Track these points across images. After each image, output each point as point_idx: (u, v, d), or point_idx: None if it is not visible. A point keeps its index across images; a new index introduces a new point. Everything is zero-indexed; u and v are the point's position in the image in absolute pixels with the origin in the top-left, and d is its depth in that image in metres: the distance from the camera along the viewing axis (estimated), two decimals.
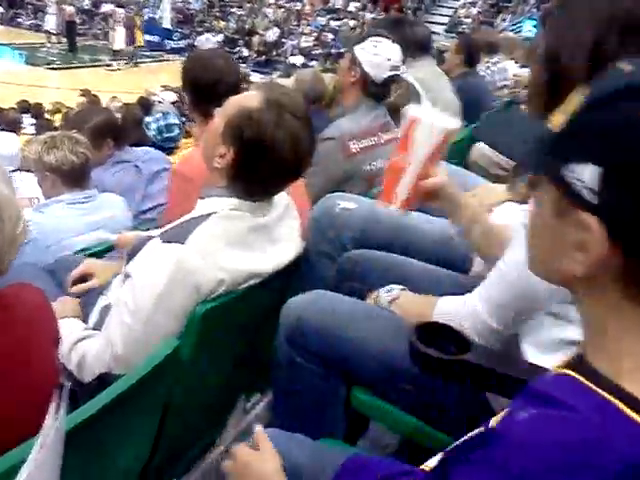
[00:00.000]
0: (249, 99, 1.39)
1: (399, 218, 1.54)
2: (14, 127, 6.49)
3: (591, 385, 0.57)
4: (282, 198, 1.51)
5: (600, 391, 0.56)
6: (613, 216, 0.55)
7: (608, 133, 0.55)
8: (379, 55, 2.51)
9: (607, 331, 0.59)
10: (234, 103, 1.40)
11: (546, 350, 1.11)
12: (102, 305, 1.54)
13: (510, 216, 1.35)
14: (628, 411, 0.53)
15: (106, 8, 18.89)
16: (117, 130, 2.99)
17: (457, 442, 0.67)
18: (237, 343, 1.48)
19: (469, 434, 0.65)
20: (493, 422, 0.62)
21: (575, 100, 0.60)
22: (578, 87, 0.61)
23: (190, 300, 1.28)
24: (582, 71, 1.05)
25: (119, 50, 17.45)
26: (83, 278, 1.73)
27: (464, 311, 1.18)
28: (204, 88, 2.06)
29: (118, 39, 17.49)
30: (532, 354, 1.12)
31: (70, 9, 18.98)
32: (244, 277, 1.36)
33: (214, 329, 1.32)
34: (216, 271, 1.30)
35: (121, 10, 18.23)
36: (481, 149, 2.95)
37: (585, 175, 0.55)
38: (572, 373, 0.60)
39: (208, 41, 15.33)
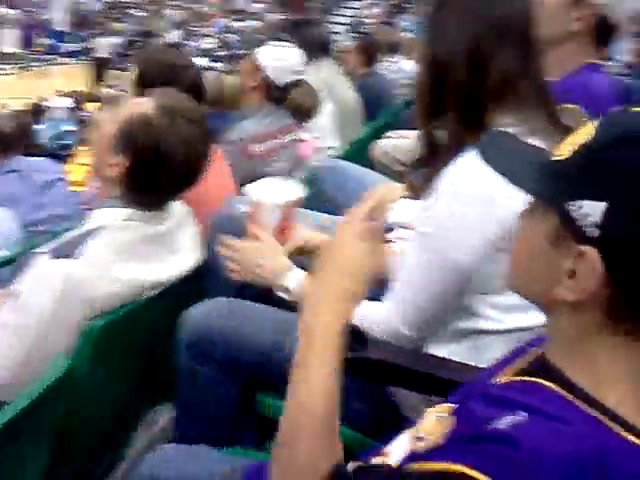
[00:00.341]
0: (141, 105, 1.35)
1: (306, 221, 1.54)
2: None
3: (579, 402, 0.58)
4: (180, 206, 1.47)
5: (588, 408, 0.57)
6: (613, 250, 0.56)
7: (620, 172, 0.56)
8: (281, 60, 2.52)
9: (586, 349, 0.60)
10: (125, 110, 1.36)
11: (446, 341, 1.14)
12: None
13: (407, 213, 1.37)
14: (614, 425, 0.56)
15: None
16: (4, 139, 2.84)
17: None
18: (139, 356, 1.43)
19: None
20: (497, 423, 0.58)
21: (584, 132, 0.60)
22: (581, 121, 0.63)
23: (83, 315, 1.23)
24: (461, 72, 1.08)
25: (11, 53, 16.54)
26: None
27: (377, 316, 1.15)
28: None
29: (9, 42, 16.57)
30: (432, 345, 1.15)
31: None
32: (142, 288, 1.32)
33: (111, 344, 1.27)
34: (110, 284, 1.25)
35: (12, 11, 17.29)
36: (382, 147, 3.01)
37: (590, 209, 0.56)
38: (552, 385, 0.61)
39: (105, 43, 14.79)
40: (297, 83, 2.58)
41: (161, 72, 1.91)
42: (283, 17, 15.37)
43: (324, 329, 0.73)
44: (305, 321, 0.75)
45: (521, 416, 0.56)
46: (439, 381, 1.02)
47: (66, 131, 3.68)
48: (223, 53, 17.97)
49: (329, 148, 3.06)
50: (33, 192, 2.62)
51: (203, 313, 1.30)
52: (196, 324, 1.29)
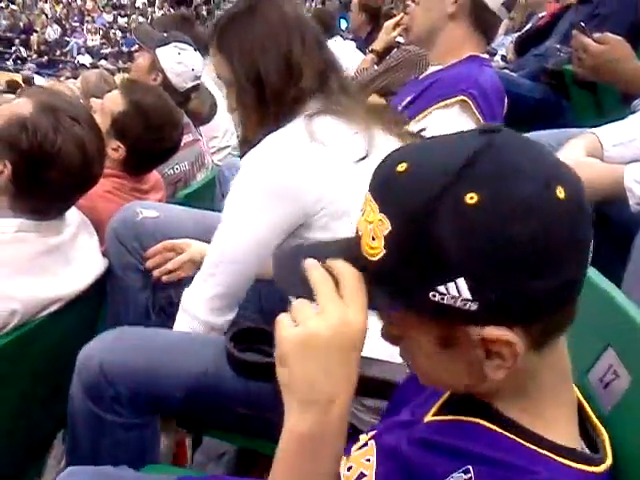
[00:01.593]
0: (18, 107, 1.27)
1: (205, 222, 1.52)
2: None
3: (523, 441, 0.56)
4: (74, 214, 1.40)
5: (533, 446, 0.56)
6: (501, 310, 0.53)
7: (444, 245, 0.51)
8: (183, 64, 2.46)
9: (527, 392, 0.58)
10: (3, 113, 1.27)
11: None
12: None
13: None
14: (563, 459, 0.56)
15: None
16: None
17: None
18: (42, 377, 1.35)
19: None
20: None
21: (383, 226, 0.54)
22: (368, 213, 0.57)
23: None
24: (278, 81, 1.15)
25: None
26: None
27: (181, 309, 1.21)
28: None
29: None
30: None
31: None
32: (41, 305, 1.24)
33: (13, 366, 1.18)
34: (5, 301, 1.17)
35: None
36: None
37: (454, 290, 0.52)
38: (491, 426, 0.58)
39: None
40: (195, 87, 2.54)
41: None
42: (168, 12, 15.00)
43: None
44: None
45: (470, 473, 0.55)
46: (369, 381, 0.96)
47: None
48: (108, 50, 17.29)
49: (227, 147, 3.03)
50: None
51: (105, 348, 1.13)
52: (98, 362, 1.10)
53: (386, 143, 1.14)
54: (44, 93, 1.34)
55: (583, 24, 1.53)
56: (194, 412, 1.19)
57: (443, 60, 1.65)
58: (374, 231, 0.55)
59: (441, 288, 0.52)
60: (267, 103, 1.17)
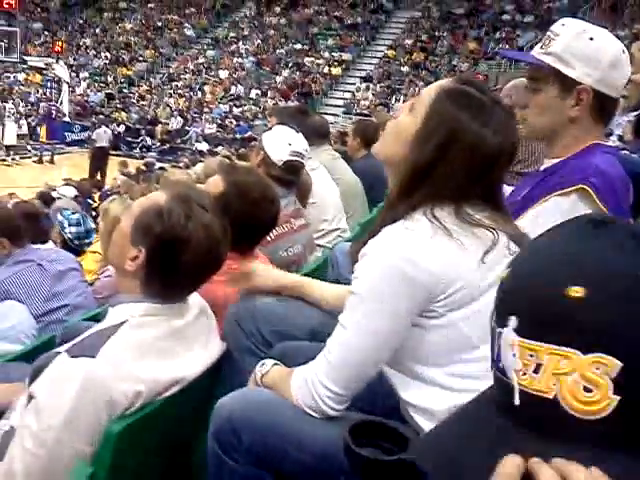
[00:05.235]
0: (155, 197, 1.37)
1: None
2: None
3: None
4: (195, 297, 1.46)
5: None
6: None
7: None
8: (279, 139, 2.60)
9: None
10: (140, 203, 1.37)
11: None
12: (3, 430, 1.39)
13: None
14: None
15: None
16: (13, 228, 2.85)
17: None
18: (162, 455, 1.38)
19: None
20: None
21: (605, 368, 0.45)
22: (556, 362, 0.46)
23: (103, 418, 1.18)
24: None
25: (12, 145, 16.93)
26: None
27: (302, 378, 1.21)
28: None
29: (9, 134, 17.01)
30: None
31: None
32: (164, 386, 1.28)
33: (133, 447, 1.22)
34: (132, 383, 1.21)
35: (10, 105, 17.88)
36: None
37: None
38: None
39: (105, 133, 15.17)
40: (296, 164, 2.64)
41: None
42: (281, 104, 15.89)
43: None
44: None
45: None
46: None
47: (90, 229, 3.70)
48: (223, 137, 18.43)
49: (337, 230, 3.09)
50: (47, 282, 2.62)
51: (233, 403, 1.25)
52: (227, 414, 1.23)
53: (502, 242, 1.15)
54: (179, 184, 1.44)
55: None
56: (300, 474, 1.23)
57: (562, 154, 1.58)
58: (587, 380, 0.44)
59: None
60: (420, 190, 1.19)
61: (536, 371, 0.47)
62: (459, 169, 1.17)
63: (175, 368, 1.31)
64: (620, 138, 3.60)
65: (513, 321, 0.49)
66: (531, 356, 0.47)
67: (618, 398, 0.43)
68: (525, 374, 0.47)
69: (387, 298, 1.14)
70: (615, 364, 0.43)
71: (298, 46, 22.38)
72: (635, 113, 3.71)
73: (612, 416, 0.43)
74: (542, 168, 1.66)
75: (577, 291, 0.46)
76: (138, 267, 1.31)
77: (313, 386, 1.18)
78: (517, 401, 0.48)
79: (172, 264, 1.31)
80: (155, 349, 1.29)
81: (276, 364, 1.34)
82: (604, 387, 0.44)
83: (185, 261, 1.30)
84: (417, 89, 18.28)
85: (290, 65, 21.61)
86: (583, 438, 0.44)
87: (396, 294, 1.13)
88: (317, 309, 1.58)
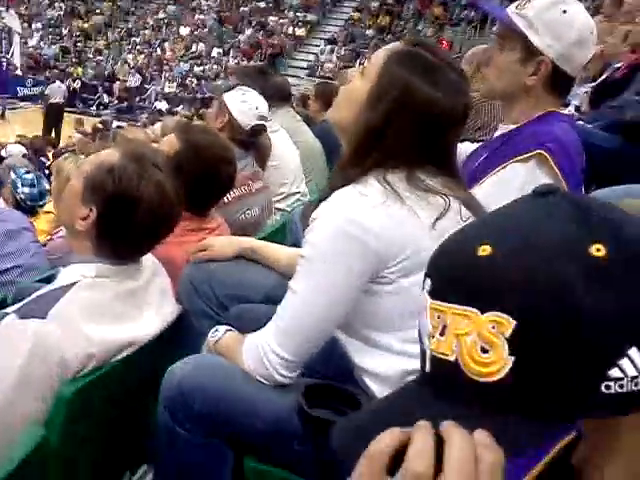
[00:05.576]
0: (107, 155, 1.33)
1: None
2: None
3: None
4: (148, 258, 1.44)
5: None
6: None
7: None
8: (247, 102, 2.56)
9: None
10: (91, 161, 1.34)
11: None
12: None
13: None
14: None
15: None
16: None
17: None
18: (114, 419, 1.37)
19: None
20: None
21: (502, 327, 0.44)
22: (457, 322, 0.45)
23: (55, 380, 1.17)
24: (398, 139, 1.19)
25: None
26: None
27: (254, 346, 1.20)
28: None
29: None
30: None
31: None
32: (116, 348, 1.27)
33: (86, 409, 1.21)
34: (82, 345, 1.20)
35: None
36: None
37: (631, 366, 0.43)
38: None
39: (60, 88, 14.64)
40: (262, 128, 2.62)
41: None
42: (243, 64, 15.57)
43: None
44: None
45: None
46: None
47: (44, 190, 3.56)
48: (184, 96, 18.04)
49: (296, 193, 3.08)
50: None
51: (185, 370, 1.24)
52: (177, 381, 1.23)
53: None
54: (130, 143, 1.40)
55: None
56: (252, 440, 1.24)
57: (519, 120, 1.60)
58: (484, 339, 0.43)
59: (613, 372, 0.41)
60: (372, 155, 1.18)
61: (442, 333, 0.45)
62: (410, 132, 1.16)
63: (128, 330, 1.30)
64: (577, 109, 3.66)
65: (427, 283, 0.48)
66: (438, 317, 0.46)
67: (512, 359, 0.42)
68: (434, 337, 0.46)
69: (336, 260, 1.13)
70: (509, 323, 0.43)
71: (262, 4, 21.85)
72: (592, 84, 3.77)
73: (507, 378, 0.43)
74: (498, 134, 1.68)
75: (485, 250, 0.45)
76: (89, 226, 1.29)
77: (264, 353, 1.18)
78: (428, 367, 0.47)
79: (124, 224, 1.28)
80: (107, 311, 1.27)
81: (229, 330, 1.33)
82: (499, 347, 0.43)
83: (137, 221, 1.28)
84: None
85: (254, 24, 21.12)
86: (479, 401, 0.43)
87: (345, 256, 1.13)
88: (273, 272, 1.58)
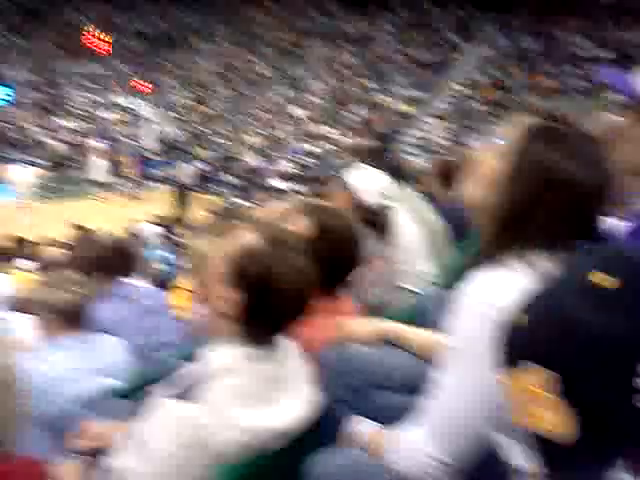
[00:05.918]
0: (247, 238, 1.36)
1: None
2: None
3: None
4: (286, 341, 1.45)
5: None
6: None
7: None
8: (368, 181, 2.60)
9: None
10: (232, 244, 1.38)
11: None
12: (105, 469, 1.43)
13: None
14: None
15: (88, 142, 19.61)
16: (106, 262, 2.98)
17: None
18: None
19: None
20: None
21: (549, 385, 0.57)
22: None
23: (204, 464, 1.20)
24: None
25: (102, 182, 17.84)
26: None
27: (404, 445, 1.15)
28: None
29: (98, 170, 17.91)
30: None
31: (58, 144, 19.92)
32: (262, 435, 1.28)
33: None
34: (233, 432, 1.22)
35: (100, 144, 18.90)
36: None
37: None
38: None
39: (187, 170, 15.83)
40: (384, 206, 2.64)
41: None
42: (358, 141, 16.00)
43: None
44: None
45: None
46: None
47: (175, 265, 3.83)
48: (300, 175, 18.72)
49: (421, 272, 3.04)
50: (138, 318, 2.70)
51: (327, 466, 1.22)
52: (317, 475, 1.21)
53: None
54: (270, 225, 1.45)
55: None
56: None
57: None
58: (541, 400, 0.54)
59: None
60: (513, 235, 1.15)
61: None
62: (553, 211, 1.12)
63: (273, 416, 1.31)
64: None
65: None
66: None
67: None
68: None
69: (483, 349, 1.09)
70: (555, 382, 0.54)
71: (371, 84, 22.63)
72: None
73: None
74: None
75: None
76: (232, 309, 1.32)
77: (417, 455, 1.13)
78: None
79: (266, 307, 1.31)
80: (253, 396, 1.29)
81: (371, 422, 1.30)
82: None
83: (279, 304, 1.31)
84: (493, 127, 18.00)
85: (364, 103, 21.84)
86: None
87: (490, 346, 1.08)
88: (413, 357, 1.55)
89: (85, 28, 27.36)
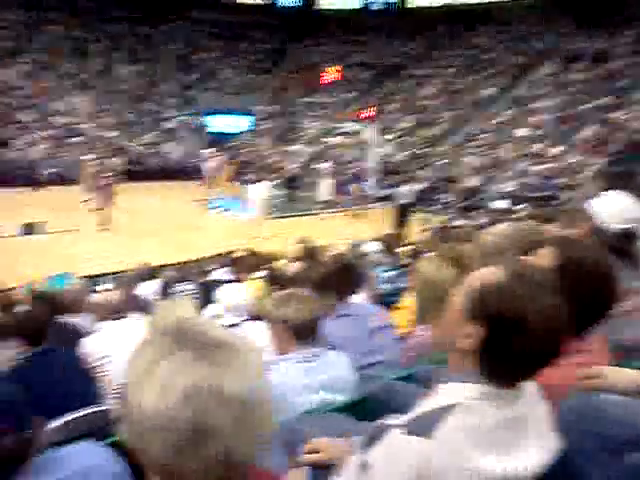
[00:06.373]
0: (493, 273, 1.30)
1: None
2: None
3: None
4: (528, 384, 1.33)
5: None
6: None
7: None
8: (614, 205, 2.36)
9: None
10: (476, 278, 1.32)
11: None
12: None
13: None
14: None
15: (317, 165, 21.06)
16: (330, 283, 3.06)
17: None
18: None
19: None
20: None
21: None
22: None
23: None
24: None
25: (325, 201, 18.97)
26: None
27: None
28: None
29: (324, 190, 19.05)
30: None
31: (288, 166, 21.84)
32: None
33: None
34: (468, 474, 1.14)
35: (327, 165, 20.13)
36: None
37: None
38: None
39: (408, 190, 15.99)
40: (633, 232, 2.35)
41: None
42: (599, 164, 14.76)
43: None
44: None
45: None
46: None
47: (392, 278, 3.87)
48: (523, 195, 17.93)
49: None
50: (362, 336, 2.74)
51: None
52: None
53: None
54: (517, 262, 1.37)
55: None
56: None
57: None
58: None
59: None
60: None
61: None
62: None
63: (510, 462, 1.20)
64: None
65: None
66: None
67: None
68: None
69: None
70: None
71: (603, 101, 20.79)
72: None
73: None
74: None
75: None
76: (470, 345, 1.26)
77: None
78: None
79: (510, 346, 1.23)
80: (491, 439, 1.20)
81: None
82: None
83: (524, 344, 1.21)
84: None
85: (595, 121, 20.13)
86: None
87: None
88: None
89: (322, 67, 29.77)
